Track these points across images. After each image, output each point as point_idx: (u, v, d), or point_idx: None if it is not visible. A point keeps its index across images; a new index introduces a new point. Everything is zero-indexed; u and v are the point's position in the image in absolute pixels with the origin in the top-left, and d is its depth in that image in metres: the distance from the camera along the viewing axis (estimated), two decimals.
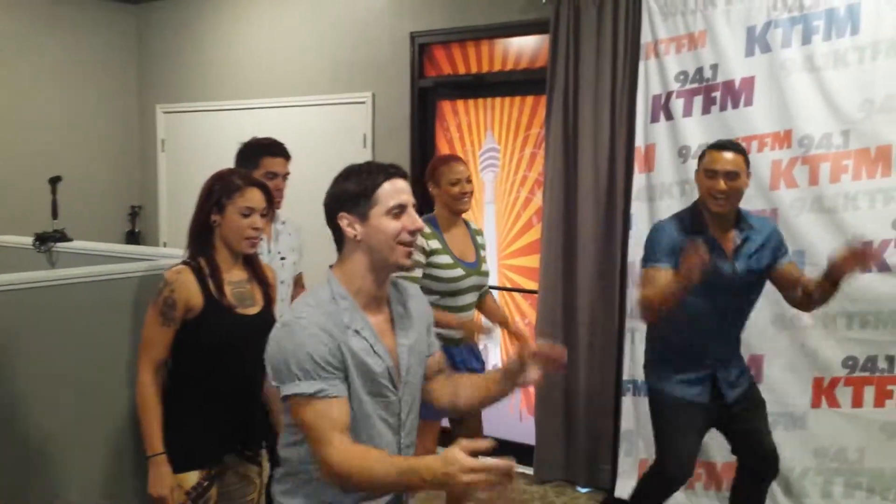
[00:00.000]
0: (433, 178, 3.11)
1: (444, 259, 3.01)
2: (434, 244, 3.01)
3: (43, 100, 5.24)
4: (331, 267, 1.77)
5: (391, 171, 1.73)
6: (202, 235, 2.30)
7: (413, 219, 1.71)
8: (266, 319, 2.26)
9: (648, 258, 2.76)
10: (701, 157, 2.78)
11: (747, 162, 2.72)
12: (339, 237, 1.74)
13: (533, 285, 4.12)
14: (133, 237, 5.64)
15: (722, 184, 2.65)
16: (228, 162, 4.74)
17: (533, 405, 4.06)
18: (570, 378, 3.86)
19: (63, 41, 5.31)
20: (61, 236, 3.75)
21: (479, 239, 3.23)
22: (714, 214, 2.71)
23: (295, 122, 4.86)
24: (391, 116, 4.50)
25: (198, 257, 2.28)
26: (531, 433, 4.03)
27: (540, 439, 3.98)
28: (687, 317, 2.68)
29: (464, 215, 3.18)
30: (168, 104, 5.60)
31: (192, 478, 2.26)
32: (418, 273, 2.96)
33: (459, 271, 3.02)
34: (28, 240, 3.77)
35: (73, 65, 5.38)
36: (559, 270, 3.85)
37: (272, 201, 2.37)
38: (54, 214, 4.09)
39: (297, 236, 3.13)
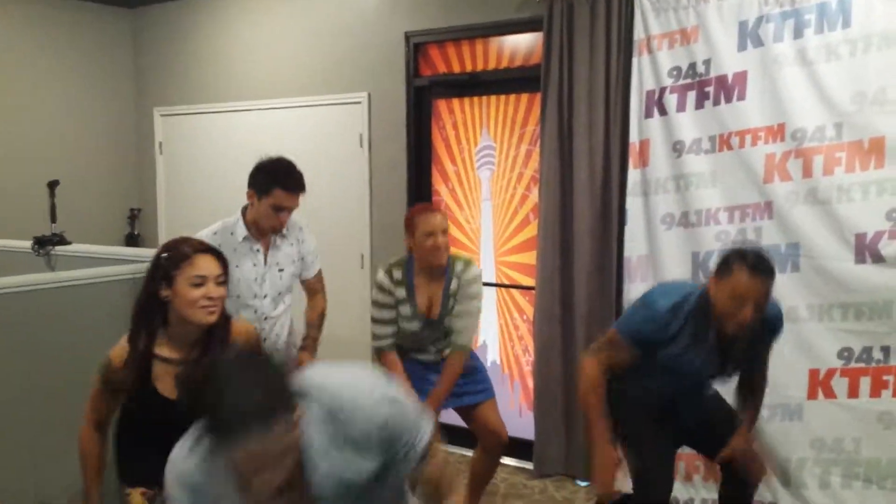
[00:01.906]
0: (408, 229, 3.01)
1: (405, 310, 3.03)
2: (401, 293, 3.02)
3: (41, 104, 5.26)
4: None
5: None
6: (147, 313, 2.09)
7: None
8: None
9: (623, 327, 2.60)
10: (723, 269, 2.37)
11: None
12: None
13: (530, 281, 4.14)
14: (133, 240, 5.65)
15: (749, 314, 2.30)
16: (226, 164, 4.76)
17: (532, 401, 4.08)
18: (568, 373, 3.88)
19: (60, 46, 5.34)
20: (60, 239, 3.78)
21: (453, 285, 3.03)
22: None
23: (291, 123, 4.88)
24: (387, 116, 4.51)
25: (137, 337, 2.10)
26: (531, 428, 4.05)
27: (539, 434, 4.00)
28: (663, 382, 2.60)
29: (456, 252, 3.13)
30: (165, 107, 5.62)
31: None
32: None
33: (416, 324, 3.03)
34: (27, 243, 3.79)
35: (70, 69, 5.41)
36: (556, 266, 3.86)
37: (227, 266, 2.16)
38: (53, 218, 4.11)
39: (298, 246, 3.14)
